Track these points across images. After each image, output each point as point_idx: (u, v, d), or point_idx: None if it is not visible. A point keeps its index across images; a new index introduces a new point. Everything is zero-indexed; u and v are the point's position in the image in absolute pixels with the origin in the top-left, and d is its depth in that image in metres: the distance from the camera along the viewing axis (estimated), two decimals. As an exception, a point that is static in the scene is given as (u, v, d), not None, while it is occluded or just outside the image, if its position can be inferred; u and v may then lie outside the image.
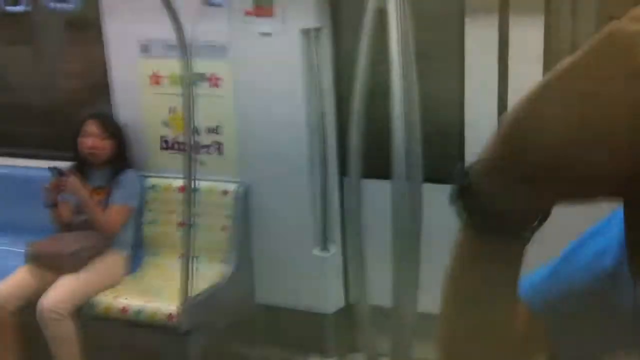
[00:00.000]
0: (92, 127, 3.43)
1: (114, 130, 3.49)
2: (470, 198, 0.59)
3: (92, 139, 3.42)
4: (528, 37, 2.93)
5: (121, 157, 3.52)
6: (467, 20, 3.01)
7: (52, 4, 3.76)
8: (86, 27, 4.37)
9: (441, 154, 3.15)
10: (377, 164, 2.62)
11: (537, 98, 0.50)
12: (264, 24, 3.22)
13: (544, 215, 0.60)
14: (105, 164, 3.47)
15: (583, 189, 0.51)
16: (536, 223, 0.60)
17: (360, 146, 2.28)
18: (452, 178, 0.61)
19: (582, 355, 0.73)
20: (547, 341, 0.75)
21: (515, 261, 0.64)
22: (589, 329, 0.71)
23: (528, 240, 0.61)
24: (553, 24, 2.97)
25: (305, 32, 3.20)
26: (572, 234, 0.76)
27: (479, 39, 3.02)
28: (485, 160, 0.56)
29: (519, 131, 0.51)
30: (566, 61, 0.49)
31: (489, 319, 0.68)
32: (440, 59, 3.32)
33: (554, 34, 2.97)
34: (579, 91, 0.48)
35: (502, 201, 0.56)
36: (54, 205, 3.40)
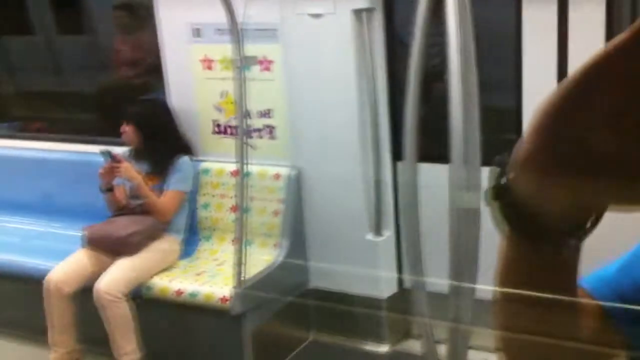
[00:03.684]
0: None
1: (140, 118, 3.49)
2: (507, 200, 0.54)
3: (123, 126, 3.48)
4: (589, 17, 2.81)
5: (173, 143, 3.54)
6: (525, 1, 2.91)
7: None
8: (139, 13, 4.41)
9: (499, 138, 3.08)
10: (432, 148, 2.56)
11: (577, 84, 0.46)
12: (314, 5, 3.18)
13: (592, 222, 0.54)
14: (155, 150, 3.49)
15: (628, 187, 0.46)
16: (583, 230, 0.54)
17: (416, 129, 2.23)
18: (488, 177, 0.56)
19: None
20: (623, 339, 0.70)
21: (567, 268, 0.58)
22: None
23: (575, 248, 0.55)
24: (615, 3, 2.84)
25: (357, 13, 3.15)
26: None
27: (537, 19, 2.91)
28: (522, 156, 0.51)
29: (556, 120, 0.47)
30: (606, 46, 0.45)
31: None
32: (497, 40, 3.24)
33: (615, 13, 2.85)
34: (621, 76, 0.44)
35: (540, 202, 0.51)
36: (109, 189, 3.45)
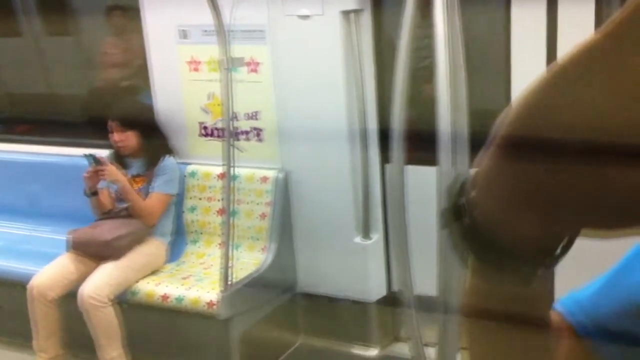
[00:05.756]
0: (112, 122, 3.42)
1: (134, 121, 3.44)
2: (467, 223, 0.46)
3: (115, 134, 3.42)
4: (578, 23, 2.79)
5: (157, 145, 3.50)
6: (513, 3, 2.90)
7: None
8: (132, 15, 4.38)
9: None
10: (421, 150, 2.54)
11: (550, 84, 0.40)
12: (302, 7, 3.15)
13: (563, 248, 0.46)
14: (141, 152, 3.46)
15: (607, 205, 0.40)
16: (552, 258, 0.47)
17: (403, 131, 2.21)
18: (446, 197, 0.48)
19: None
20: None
21: (537, 298, 0.51)
22: None
23: (545, 277, 0.48)
24: (604, 9, 2.83)
25: (345, 14, 3.13)
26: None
27: (526, 24, 2.90)
28: (486, 170, 0.44)
29: (528, 125, 0.41)
30: (585, 41, 0.39)
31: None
32: (485, 45, 3.22)
33: (604, 14, 2.84)
34: (603, 72, 0.38)
35: (504, 226, 0.45)
36: (94, 193, 3.41)
